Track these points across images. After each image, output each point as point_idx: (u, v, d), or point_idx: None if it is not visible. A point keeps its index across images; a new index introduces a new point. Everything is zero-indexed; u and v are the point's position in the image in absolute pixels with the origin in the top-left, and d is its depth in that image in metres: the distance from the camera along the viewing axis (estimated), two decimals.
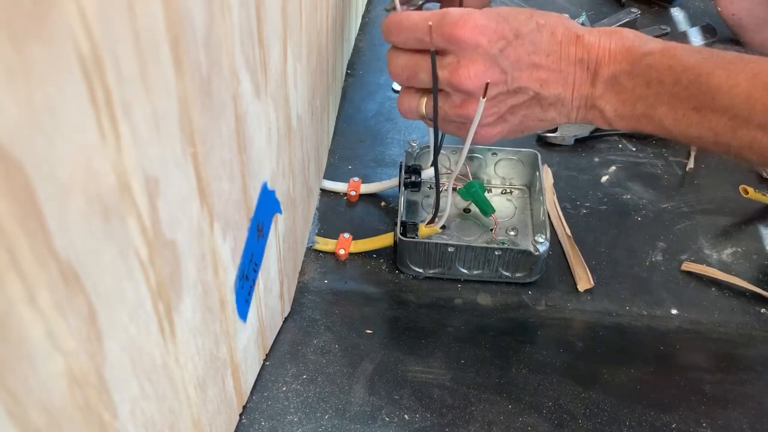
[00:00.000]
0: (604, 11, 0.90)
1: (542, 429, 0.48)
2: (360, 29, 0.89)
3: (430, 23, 0.46)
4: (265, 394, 0.50)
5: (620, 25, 0.85)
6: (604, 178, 0.68)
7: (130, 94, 0.25)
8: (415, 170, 0.62)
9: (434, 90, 0.48)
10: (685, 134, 0.46)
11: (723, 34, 0.80)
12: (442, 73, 0.47)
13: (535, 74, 0.47)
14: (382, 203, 0.66)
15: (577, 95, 0.48)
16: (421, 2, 0.59)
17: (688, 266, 0.60)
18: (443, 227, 0.61)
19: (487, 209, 0.61)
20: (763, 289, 0.58)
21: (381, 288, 0.58)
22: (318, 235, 0.61)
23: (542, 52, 0.47)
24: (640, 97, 0.47)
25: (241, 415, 0.48)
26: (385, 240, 0.60)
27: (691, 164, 0.69)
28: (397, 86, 0.79)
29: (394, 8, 0.54)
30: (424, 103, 0.50)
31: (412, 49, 0.50)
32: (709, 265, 0.60)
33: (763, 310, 0.57)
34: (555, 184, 0.67)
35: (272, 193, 0.45)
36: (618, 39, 0.47)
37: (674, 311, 0.57)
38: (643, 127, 0.48)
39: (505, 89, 0.47)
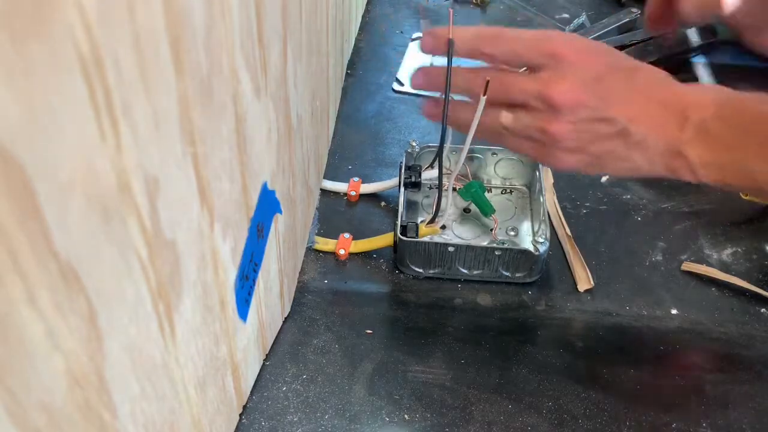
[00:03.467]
0: (604, 11, 0.90)
1: (542, 429, 0.48)
2: (360, 29, 0.89)
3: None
4: (265, 394, 0.50)
5: (620, 25, 0.85)
6: (604, 178, 0.68)
7: (130, 95, 0.25)
8: (415, 170, 0.62)
9: (446, 93, 0.48)
10: None
11: (723, 35, 0.80)
12: (533, 86, 0.46)
13: (627, 108, 0.46)
14: (382, 203, 0.65)
15: (663, 139, 0.46)
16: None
17: (688, 266, 0.60)
18: (443, 227, 0.61)
19: (487, 209, 0.61)
20: (763, 289, 0.58)
21: (381, 288, 0.58)
22: (318, 235, 0.61)
23: (636, 90, 0.46)
24: (729, 145, 0.45)
25: (241, 415, 0.48)
26: (385, 240, 0.60)
27: None
28: (397, 86, 0.79)
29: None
30: (509, 118, 0.48)
31: (502, 63, 0.49)
32: (709, 265, 0.60)
33: (763, 310, 0.57)
34: (555, 184, 0.67)
35: (272, 193, 0.45)
36: (707, 87, 0.47)
37: (674, 311, 0.57)
38: (730, 179, 0.46)
39: (594, 116, 0.46)
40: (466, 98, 0.50)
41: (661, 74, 0.48)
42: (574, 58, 0.46)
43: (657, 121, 0.46)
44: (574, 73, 0.46)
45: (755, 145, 0.44)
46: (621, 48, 0.80)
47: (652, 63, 0.80)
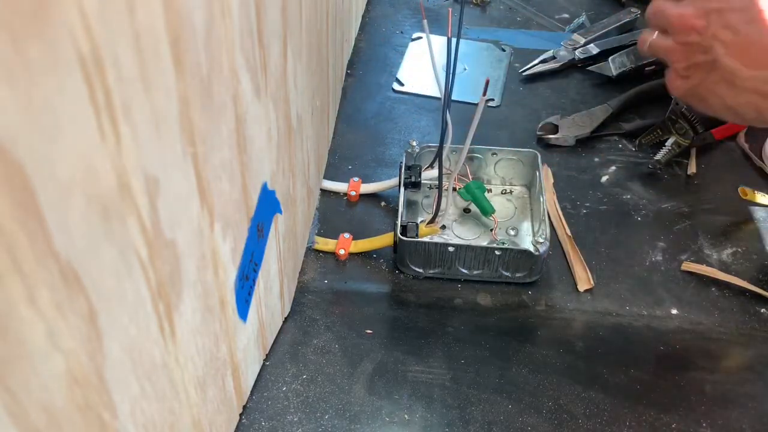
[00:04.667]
0: (605, 11, 0.91)
1: (542, 429, 0.48)
2: (360, 29, 0.89)
3: None
4: (265, 394, 0.50)
5: (620, 25, 0.86)
6: (604, 178, 0.68)
7: (130, 94, 0.25)
8: (415, 170, 0.62)
9: (446, 93, 0.48)
10: None
11: None
12: (671, 8, 0.52)
13: (729, 41, 0.49)
14: (382, 203, 0.65)
15: (752, 76, 0.49)
16: None
17: (688, 266, 0.60)
18: (443, 227, 0.61)
19: (487, 209, 0.61)
20: (763, 289, 0.58)
21: (381, 288, 0.58)
22: (318, 235, 0.61)
23: (751, 31, 0.49)
24: None
25: (241, 415, 0.48)
26: (385, 240, 0.60)
27: (693, 168, 0.69)
28: (397, 86, 0.79)
29: None
30: (654, 35, 0.55)
31: None
32: (709, 265, 0.60)
33: (763, 310, 0.57)
34: (555, 184, 0.67)
35: (272, 193, 0.45)
36: None
37: (674, 311, 0.57)
38: None
39: (699, 41, 0.51)
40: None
41: None
42: None
43: (752, 59, 0.49)
44: (701, 2, 0.51)
45: None
46: (620, 48, 0.81)
47: (651, 64, 0.80)
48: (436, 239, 0.58)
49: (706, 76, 0.52)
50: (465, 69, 0.82)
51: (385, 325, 0.55)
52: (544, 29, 0.90)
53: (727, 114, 0.54)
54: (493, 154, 0.64)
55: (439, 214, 0.58)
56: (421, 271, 0.58)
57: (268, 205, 0.45)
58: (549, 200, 0.65)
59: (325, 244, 0.60)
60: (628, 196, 0.67)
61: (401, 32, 0.89)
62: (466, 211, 0.63)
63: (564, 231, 0.62)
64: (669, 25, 0.53)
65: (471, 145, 0.56)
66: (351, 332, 0.54)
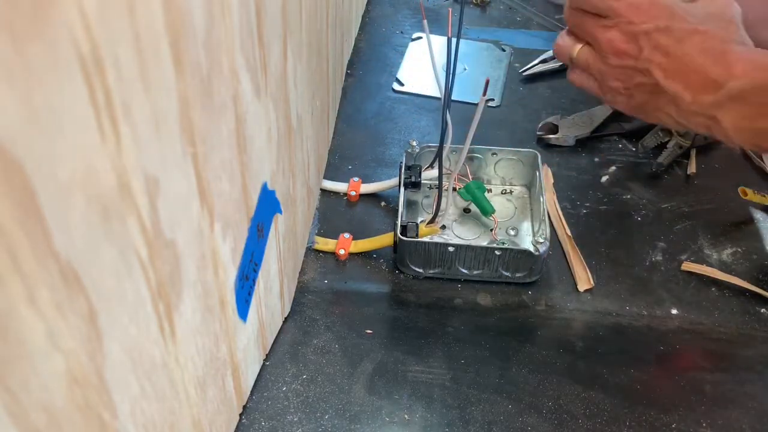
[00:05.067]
0: None
1: (542, 429, 0.48)
2: (360, 29, 0.89)
3: None
4: (265, 394, 0.50)
5: None
6: (604, 178, 0.68)
7: (130, 94, 0.25)
8: (415, 170, 0.62)
9: (446, 93, 0.49)
10: None
11: None
12: (593, 29, 0.53)
13: (665, 64, 0.49)
14: (382, 203, 0.65)
15: (696, 100, 0.48)
16: None
17: (688, 266, 0.60)
18: (443, 227, 0.61)
19: (486, 209, 0.61)
20: (763, 289, 0.58)
21: (381, 288, 0.58)
22: (318, 235, 0.61)
23: (682, 52, 0.49)
24: (763, 114, 0.46)
25: (241, 415, 0.48)
26: (385, 240, 0.60)
27: (693, 168, 0.69)
28: (397, 86, 0.79)
29: None
30: (576, 50, 0.55)
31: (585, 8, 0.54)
32: (709, 265, 0.60)
33: (763, 310, 0.57)
34: (555, 184, 0.67)
35: (272, 193, 0.45)
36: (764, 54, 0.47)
37: (674, 311, 0.57)
38: (760, 142, 0.48)
39: (634, 65, 0.51)
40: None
41: (724, 39, 0.49)
42: (626, 13, 0.50)
43: (692, 83, 0.48)
44: (625, 25, 0.50)
45: None
46: None
47: None
48: (436, 239, 0.58)
49: (650, 97, 0.51)
50: (465, 69, 0.82)
51: (385, 325, 0.55)
52: (544, 29, 0.90)
53: (679, 128, 0.54)
54: (493, 154, 0.64)
55: (439, 214, 0.58)
56: (421, 271, 0.58)
57: (268, 205, 0.45)
58: (549, 200, 0.65)
59: (325, 244, 0.60)
60: (628, 196, 0.67)
61: (401, 32, 0.89)
62: (466, 211, 0.63)
63: (564, 231, 0.62)
64: (598, 48, 0.53)
65: (471, 145, 0.56)
66: (351, 332, 0.54)
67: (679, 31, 0.49)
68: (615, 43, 0.51)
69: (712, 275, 0.59)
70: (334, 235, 0.61)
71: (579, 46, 0.55)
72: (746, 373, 0.53)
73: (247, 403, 0.49)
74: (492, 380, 0.51)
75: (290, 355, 0.52)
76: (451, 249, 0.56)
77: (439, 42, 0.82)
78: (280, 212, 0.48)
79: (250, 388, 0.49)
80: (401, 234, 0.57)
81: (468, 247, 0.56)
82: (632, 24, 0.50)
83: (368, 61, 0.84)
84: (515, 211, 0.63)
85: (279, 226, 0.48)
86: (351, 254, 0.60)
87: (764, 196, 0.64)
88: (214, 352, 0.39)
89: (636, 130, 0.72)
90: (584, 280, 0.59)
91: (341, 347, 0.53)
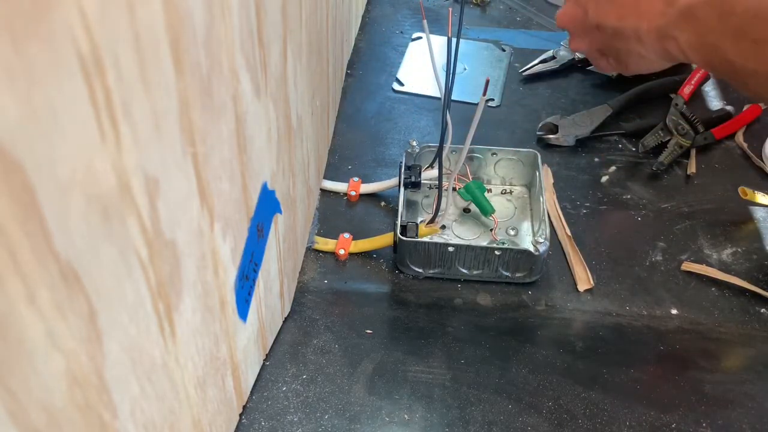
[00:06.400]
0: None
1: (542, 429, 0.48)
2: (360, 29, 0.89)
3: None
4: (265, 394, 0.50)
5: None
6: (604, 178, 0.68)
7: (130, 94, 0.25)
8: (415, 170, 0.62)
9: (446, 93, 0.49)
10: (744, 67, 0.47)
11: None
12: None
13: (611, 10, 0.51)
14: (382, 203, 0.65)
15: (652, 27, 0.50)
16: None
17: (688, 266, 0.60)
18: (443, 227, 0.61)
19: (486, 209, 0.61)
20: (763, 289, 0.58)
21: (381, 288, 0.58)
22: (318, 235, 0.61)
23: None
24: (711, 29, 0.47)
25: (241, 415, 0.48)
26: (385, 240, 0.60)
27: (693, 168, 0.69)
28: (397, 86, 0.79)
29: None
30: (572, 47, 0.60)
31: None
32: (709, 265, 0.60)
33: (763, 310, 0.57)
34: (555, 184, 0.67)
35: (272, 193, 0.45)
36: None
37: (674, 311, 0.57)
38: (715, 62, 0.49)
39: (588, 25, 0.53)
40: None
41: None
42: None
43: (643, 12, 0.50)
44: None
45: (732, 30, 0.47)
46: None
47: None
48: (436, 239, 0.58)
49: (617, 45, 0.54)
50: (465, 69, 0.82)
51: (385, 325, 0.55)
52: (544, 29, 0.90)
53: (655, 66, 0.57)
54: (493, 154, 0.64)
55: (439, 214, 0.58)
56: (421, 271, 0.58)
57: (268, 205, 0.45)
58: (549, 200, 0.65)
59: (325, 244, 0.60)
60: (628, 196, 0.67)
61: (401, 32, 0.89)
62: (466, 211, 0.63)
63: (564, 231, 0.62)
64: (567, 29, 0.57)
65: (471, 145, 0.56)
66: (351, 332, 0.54)
67: None
68: (565, 16, 0.54)
69: (712, 275, 0.59)
70: (334, 235, 0.61)
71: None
72: (746, 373, 0.53)
73: (247, 403, 0.49)
74: (492, 380, 0.51)
75: (290, 355, 0.52)
76: (451, 249, 0.56)
77: (439, 42, 0.82)
78: (280, 212, 0.48)
79: (250, 388, 0.49)
80: (401, 234, 0.57)
81: (468, 247, 0.56)
82: None
83: (368, 61, 0.84)
84: (515, 211, 0.63)
85: (279, 226, 0.48)
86: (351, 254, 0.60)
87: (764, 195, 0.64)
88: (214, 352, 0.39)
89: (636, 130, 0.72)
90: (584, 280, 0.59)
91: (341, 347, 0.53)
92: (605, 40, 0.54)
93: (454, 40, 0.52)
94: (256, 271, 0.44)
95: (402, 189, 0.61)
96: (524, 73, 0.81)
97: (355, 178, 0.66)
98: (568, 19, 0.55)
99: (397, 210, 0.59)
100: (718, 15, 0.47)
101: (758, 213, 0.65)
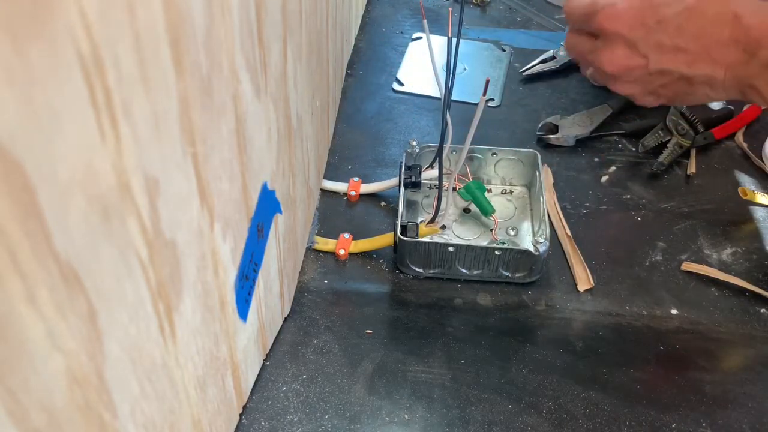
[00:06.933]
0: None
1: (542, 429, 0.48)
2: (360, 29, 0.89)
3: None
4: (265, 394, 0.50)
5: None
6: (604, 178, 0.68)
7: (130, 95, 0.25)
8: (415, 170, 0.62)
9: (446, 92, 0.49)
10: None
11: None
12: (591, 53, 0.53)
13: (680, 57, 0.49)
14: (382, 203, 0.65)
15: (729, 75, 0.49)
16: None
17: (688, 266, 0.60)
18: (443, 227, 0.61)
19: (486, 209, 0.61)
20: (763, 289, 0.58)
21: (381, 288, 0.58)
22: (318, 235, 0.61)
23: (688, 35, 0.48)
24: None
25: (241, 415, 0.48)
26: (385, 240, 0.60)
27: (693, 168, 0.69)
28: (397, 86, 0.79)
29: None
30: (588, 75, 0.57)
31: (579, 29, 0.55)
32: (709, 265, 0.60)
33: (763, 310, 0.57)
34: (555, 184, 0.67)
35: (272, 193, 0.45)
36: None
37: (674, 311, 0.57)
38: None
39: (647, 72, 0.50)
40: None
41: (719, 7, 0.48)
42: (612, 28, 0.50)
43: (718, 61, 0.48)
44: (616, 40, 0.50)
45: None
46: None
47: None
48: (436, 239, 0.58)
49: (680, 87, 0.52)
50: (465, 69, 0.82)
51: (385, 325, 0.55)
52: (544, 29, 0.90)
53: (716, 101, 0.56)
54: (493, 154, 0.64)
55: (439, 214, 0.58)
56: (421, 271, 0.58)
57: (268, 205, 0.45)
58: (549, 200, 0.65)
59: (325, 244, 0.60)
60: (628, 196, 0.67)
61: (401, 32, 0.89)
62: (466, 211, 0.63)
63: (564, 231, 0.62)
64: (607, 75, 0.53)
65: (471, 145, 0.56)
66: (351, 332, 0.54)
67: (672, 18, 0.49)
68: (616, 63, 0.51)
69: (712, 275, 0.59)
70: (334, 235, 0.61)
71: (588, 71, 0.55)
72: (746, 373, 0.53)
73: (247, 403, 0.49)
74: (492, 380, 0.51)
75: (290, 355, 0.52)
76: (451, 249, 0.56)
77: (439, 42, 0.82)
78: (280, 212, 0.48)
79: (250, 388, 0.49)
80: (401, 234, 0.57)
81: (468, 247, 0.56)
82: (621, 35, 0.49)
83: (368, 61, 0.84)
84: (515, 211, 0.63)
85: (279, 226, 0.48)
86: (351, 254, 0.60)
87: (764, 195, 0.64)
88: (214, 352, 0.39)
89: (636, 130, 0.72)
90: (584, 280, 0.59)
91: (341, 347, 0.53)
92: (667, 83, 0.51)
93: (454, 40, 0.52)
94: (256, 271, 0.44)
95: (402, 189, 0.61)
96: (524, 73, 0.81)
97: (355, 178, 0.66)
98: (622, 68, 0.51)
99: (397, 210, 0.59)
100: None
101: (758, 213, 0.65)
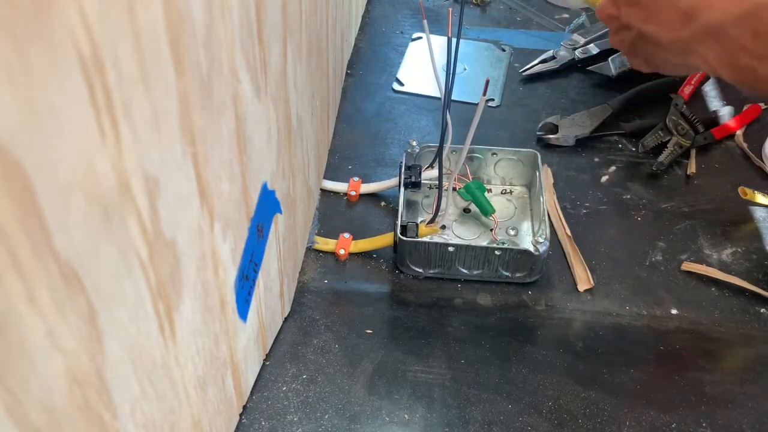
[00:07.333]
0: None
1: (542, 429, 0.48)
2: (360, 29, 0.89)
3: None
4: (265, 394, 0.50)
5: None
6: (604, 178, 0.68)
7: (130, 95, 0.25)
8: (415, 170, 0.62)
9: (446, 92, 0.49)
10: None
11: None
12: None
13: (636, 13, 0.51)
14: (382, 203, 0.65)
15: (673, 37, 0.49)
16: None
17: (688, 266, 0.60)
18: (443, 227, 0.61)
19: (486, 209, 0.61)
20: (763, 289, 0.58)
21: (381, 288, 0.58)
22: (318, 235, 0.61)
23: None
24: (744, 48, 0.45)
25: (241, 415, 0.48)
26: (385, 240, 0.60)
27: (692, 168, 0.69)
28: (397, 86, 0.79)
29: None
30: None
31: None
32: (709, 265, 0.60)
33: (763, 310, 0.57)
34: (555, 184, 0.67)
35: (272, 193, 0.45)
36: None
37: (674, 311, 0.57)
38: (744, 77, 0.46)
39: (620, 23, 0.53)
40: None
41: None
42: None
43: (662, 21, 0.49)
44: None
45: None
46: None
47: None
48: (436, 239, 0.58)
49: (644, 47, 0.53)
50: (465, 69, 0.82)
51: (385, 325, 0.55)
52: (544, 29, 0.90)
53: (681, 71, 0.57)
54: (493, 154, 0.64)
55: (439, 214, 0.58)
56: (421, 271, 0.58)
57: (268, 205, 0.45)
58: (549, 200, 0.65)
59: (325, 244, 0.60)
60: (628, 196, 0.67)
61: (401, 32, 0.89)
62: (466, 211, 0.63)
63: (564, 231, 0.62)
64: (605, 24, 0.57)
65: (471, 145, 0.56)
66: (351, 332, 0.54)
67: None
68: (603, 11, 0.54)
69: (712, 275, 0.59)
70: (334, 235, 0.61)
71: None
72: (746, 373, 0.53)
73: (247, 403, 0.49)
74: (492, 380, 0.51)
75: (290, 355, 0.52)
76: (451, 249, 0.56)
77: (439, 42, 0.82)
78: (280, 212, 0.48)
79: (250, 388, 0.49)
80: (401, 234, 0.57)
81: (468, 247, 0.56)
82: None
83: (368, 61, 0.84)
84: (515, 211, 0.63)
85: (279, 226, 0.48)
86: (351, 254, 0.60)
87: (764, 195, 0.64)
88: (214, 352, 0.39)
89: (636, 130, 0.72)
90: (584, 280, 0.59)
91: (341, 347, 0.53)
92: (634, 40, 0.53)
93: (454, 40, 0.52)
94: (256, 271, 0.44)
95: (402, 189, 0.61)
96: (524, 73, 0.81)
97: (355, 178, 0.66)
98: (604, 15, 0.55)
99: (397, 210, 0.59)
100: (752, 34, 0.44)
101: (758, 213, 0.65)
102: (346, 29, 0.77)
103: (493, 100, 0.77)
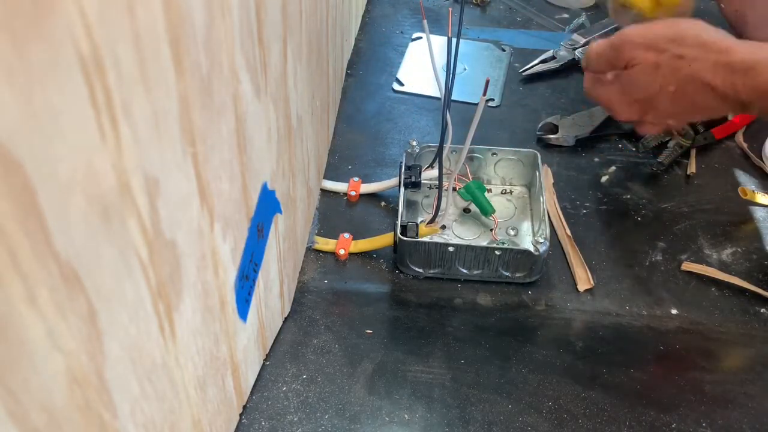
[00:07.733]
0: (605, 11, 0.90)
1: (542, 429, 0.48)
2: (360, 29, 0.89)
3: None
4: (265, 394, 0.50)
5: (620, 26, 0.85)
6: (604, 178, 0.68)
7: (130, 95, 0.25)
8: (415, 170, 0.62)
9: (446, 92, 0.49)
10: None
11: None
12: (614, 86, 0.58)
13: (683, 62, 0.53)
14: (382, 203, 0.65)
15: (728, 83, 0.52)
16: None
17: (688, 266, 0.60)
18: (443, 227, 0.61)
19: (486, 209, 0.61)
20: (763, 289, 0.58)
21: (381, 288, 0.58)
22: (318, 235, 0.61)
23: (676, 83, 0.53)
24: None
25: (241, 415, 0.48)
26: (385, 240, 0.60)
27: (692, 168, 0.69)
28: (397, 86, 0.79)
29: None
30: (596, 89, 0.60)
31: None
32: (709, 265, 0.60)
33: (763, 310, 0.57)
34: (555, 184, 0.67)
35: (272, 193, 0.45)
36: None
37: (674, 311, 0.57)
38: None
39: (668, 67, 0.54)
40: None
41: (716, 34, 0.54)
42: (640, 41, 0.54)
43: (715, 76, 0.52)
44: (645, 54, 0.54)
45: None
46: None
47: None
48: (436, 239, 0.58)
49: (694, 92, 0.54)
50: (465, 69, 0.82)
51: (385, 325, 0.55)
52: (544, 29, 0.90)
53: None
54: (493, 154, 0.64)
55: (439, 214, 0.58)
56: (421, 271, 0.58)
57: (268, 205, 0.45)
58: (549, 200, 0.65)
59: (325, 244, 0.60)
60: (628, 196, 0.67)
61: (401, 32, 0.89)
62: (466, 211, 0.63)
63: (564, 231, 0.62)
64: (634, 101, 0.57)
65: (471, 145, 0.56)
66: (351, 332, 0.54)
67: (669, 63, 0.53)
68: (638, 74, 0.54)
69: (712, 275, 0.59)
70: (334, 235, 0.61)
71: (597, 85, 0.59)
72: (746, 373, 0.53)
73: (247, 403, 0.49)
74: (492, 380, 0.51)
75: (290, 355, 0.52)
76: (451, 249, 0.56)
77: (439, 42, 0.82)
78: (280, 212, 0.48)
79: (250, 388, 0.49)
80: (401, 234, 0.57)
81: (468, 247, 0.56)
82: (645, 46, 0.53)
83: (368, 61, 0.84)
84: (515, 211, 0.63)
85: (279, 226, 0.48)
86: (351, 254, 0.60)
87: (764, 195, 0.64)
88: (214, 352, 0.39)
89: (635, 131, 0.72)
90: (584, 280, 0.59)
91: (341, 347, 0.53)
92: (684, 89, 0.54)
93: (454, 40, 0.52)
94: (256, 271, 0.44)
95: (402, 189, 0.61)
96: (524, 73, 0.81)
97: (355, 178, 0.66)
98: (650, 68, 0.55)
99: (397, 210, 0.59)
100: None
101: (758, 213, 0.65)
102: (346, 29, 0.77)
103: (493, 100, 0.77)
